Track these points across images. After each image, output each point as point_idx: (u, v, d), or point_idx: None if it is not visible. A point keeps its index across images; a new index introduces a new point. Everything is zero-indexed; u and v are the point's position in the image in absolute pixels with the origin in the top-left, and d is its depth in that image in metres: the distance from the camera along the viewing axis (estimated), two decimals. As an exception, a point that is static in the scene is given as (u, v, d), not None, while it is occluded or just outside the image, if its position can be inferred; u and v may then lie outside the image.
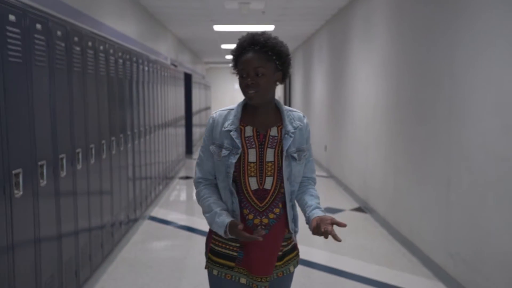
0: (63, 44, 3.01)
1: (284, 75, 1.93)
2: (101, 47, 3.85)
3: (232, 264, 1.90)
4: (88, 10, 4.45)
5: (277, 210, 1.90)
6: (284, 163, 1.88)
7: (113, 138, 4.20)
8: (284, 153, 1.88)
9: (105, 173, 4.02)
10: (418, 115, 4.42)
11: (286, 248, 1.97)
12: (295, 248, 2.01)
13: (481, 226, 3.26)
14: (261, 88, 1.85)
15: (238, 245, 1.89)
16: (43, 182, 2.74)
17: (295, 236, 1.98)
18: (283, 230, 1.92)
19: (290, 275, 1.99)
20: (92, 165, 3.66)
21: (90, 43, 3.57)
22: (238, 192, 1.89)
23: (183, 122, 10.01)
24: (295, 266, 2.01)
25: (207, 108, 16.55)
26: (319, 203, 1.94)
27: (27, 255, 2.58)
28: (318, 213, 1.87)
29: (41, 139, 2.74)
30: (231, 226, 1.79)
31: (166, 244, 5.08)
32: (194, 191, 2.02)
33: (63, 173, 3.05)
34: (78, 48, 3.29)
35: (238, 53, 1.89)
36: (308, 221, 1.88)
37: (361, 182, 6.40)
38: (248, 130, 1.90)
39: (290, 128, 1.91)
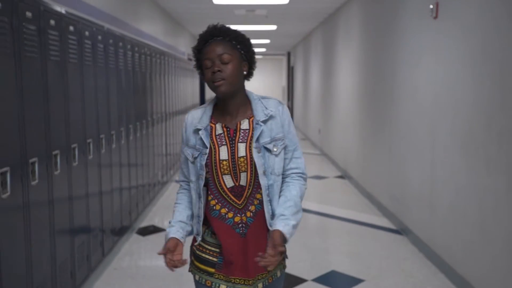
0: (101, 45, 3.88)
1: (250, 66, 1.86)
2: (136, 48, 5.38)
3: (212, 270, 1.83)
4: (126, 18, 6.02)
5: (252, 208, 1.80)
6: (256, 156, 1.77)
7: (143, 121, 5.75)
8: (254, 145, 1.78)
9: (145, 144, 5.64)
10: (374, 102, 5.98)
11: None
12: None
13: (405, 175, 4.83)
14: (228, 76, 1.75)
15: (218, 250, 1.82)
16: (89, 156, 4.05)
17: None
18: (265, 227, 1.80)
19: (279, 278, 1.89)
20: (132, 140, 5.26)
21: (129, 46, 4.95)
22: (213, 191, 1.81)
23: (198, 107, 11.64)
24: (281, 271, 1.90)
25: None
26: (289, 206, 1.78)
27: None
28: (276, 225, 1.75)
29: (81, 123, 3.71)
30: (168, 244, 1.77)
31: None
32: None
33: (102, 150, 3.88)
34: (112, 48, 4.30)
35: (200, 47, 1.81)
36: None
37: (342, 155, 7.99)
38: (219, 127, 1.83)
39: (260, 116, 1.81)
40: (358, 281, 3.76)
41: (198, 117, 1.86)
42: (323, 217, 5.60)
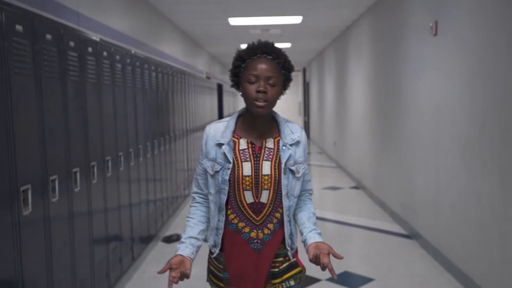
0: (130, 68, 4.20)
1: (283, 90, 1.88)
2: (159, 69, 5.78)
3: (222, 284, 1.87)
4: (150, 40, 6.45)
5: (271, 226, 1.83)
6: (283, 177, 1.81)
7: (166, 136, 6.14)
8: (283, 166, 1.82)
9: (168, 159, 6.02)
10: (384, 114, 6.29)
11: (283, 265, 1.87)
12: (297, 265, 1.89)
13: (413, 182, 5.11)
14: (271, 99, 1.78)
15: (221, 266, 1.86)
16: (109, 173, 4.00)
17: (291, 253, 1.87)
18: (277, 246, 1.84)
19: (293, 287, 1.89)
20: (156, 155, 5.64)
21: (153, 67, 5.35)
22: (233, 205, 1.81)
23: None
24: (296, 281, 1.90)
25: (235, 112, 18.60)
26: (315, 223, 1.90)
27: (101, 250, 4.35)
28: (315, 237, 1.83)
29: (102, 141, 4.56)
30: (172, 263, 1.77)
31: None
32: None
33: (132, 163, 4.99)
34: (138, 70, 4.80)
35: (247, 58, 1.81)
36: (305, 243, 1.85)
37: (356, 167, 8.27)
38: (243, 143, 1.84)
39: (288, 139, 1.85)
40: (369, 280, 4.04)
41: (220, 130, 1.86)
42: (339, 224, 5.89)
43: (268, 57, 1.80)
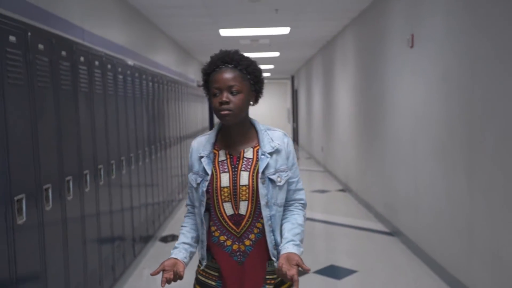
0: (130, 79, 4.71)
1: (257, 97, 1.87)
2: (155, 79, 6.15)
3: None
4: (145, 52, 6.78)
5: (252, 236, 1.80)
6: (261, 186, 1.78)
7: (162, 142, 6.48)
8: (260, 175, 1.79)
9: (164, 165, 6.34)
10: (367, 120, 6.67)
11: (276, 281, 1.84)
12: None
13: (395, 184, 5.48)
14: (236, 108, 1.76)
15: (217, 274, 1.84)
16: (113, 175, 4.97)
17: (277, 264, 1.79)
18: (264, 257, 1.82)
19: None
20: (154, 160, 5.96)
21: (150, 77, 5.77)
22: (213, 218, 1.82)
23: (208, 130, 12.47)
24: None
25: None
26: (297, 234, 1.81)
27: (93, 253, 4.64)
28: (288, 248, 1.74)
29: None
30: (167, 265, 1.77)
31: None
32: None
33: (131, 167, 5.32)
34: (137, 80, 5.52)
35: (210, 71, 1.81)
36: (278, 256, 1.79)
37: (343, 171, 8.65)
38: (222, 154, 1.84)
39: (267, 148, 1.82)
40: (353, 271, 4.40)
41: (203, 143, 1.88)
42: (326, 224, 6.24)
43: (229, 66, 1.79)
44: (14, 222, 2.27)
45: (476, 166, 3.47)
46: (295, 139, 18.32)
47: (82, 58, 3.37)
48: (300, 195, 1.91)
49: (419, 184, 4.64)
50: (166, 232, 6.02)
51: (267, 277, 1.83)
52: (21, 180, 2.39)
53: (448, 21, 3.92)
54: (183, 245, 1.88)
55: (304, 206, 1.93)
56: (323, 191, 8.40)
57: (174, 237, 5.77)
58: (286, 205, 1.88)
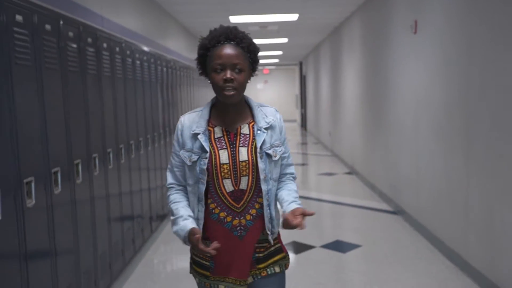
0: (146, 64, 5.24)
1: (251, 74, 1.86)
2: (169, 64, 6.39)
3: (208, 273, 1.86)
4: (158, 38, 7.03)
5: (253, 211, 1.83)
6: (260, 161, 1.80)
7: (172, 127, 6.73)
8: (258, 150, 1.81)
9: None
10: (373, 104, 6.90)
11: (268, 250, 1.88)
12: (281, 250, 1.92)
13: (398, 165, 5.72)
14: (239, 86, 1.75)
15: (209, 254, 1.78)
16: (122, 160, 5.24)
17: (272, 237, 1.87)
18: (259, 232, 1.85)
19: (278, 275, 1.90)
20: (169, 142, 6.23)
21: (164, 63, 6.05)
22: (213, 195, 1.81)
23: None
24: (281, 268, 1.91)
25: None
26: (296, 197, 1.87)
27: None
28: (293, 206, 1.80)
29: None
30: (191, 234, 1.73)
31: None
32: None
33: (132, 155, 5.59)
34: (153, 66, 5.78)
35: (210, 46, 1.77)
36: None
37: (350, 154, 8.89)
38: (218, 131, 1.83)
39: (262, 123, 1.84)
40: (357, 246, 4.66)
41: (195, 120, 1.84)
42: (334, 204, 6.51)
43: (232, 42, 1.76)
44: (24, 205, 2.28)
45: (473, 147, 3.70)
46: (303, 125, 18.54)
47: (105, 45, 3.60)
48: (291, 169, 1.97)
49: (420, 166, 4.88)
50: (179, 211, 6.31)
51: (256, 245, 1.86)
52: (30, 162, 2.38)
53: (448, 5, 4.13)
54: (191, 218, 1.82)
55: (295, 179, 1.99)
56: (330, 174, 8.66)
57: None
58: (279, 178, 1.93)
